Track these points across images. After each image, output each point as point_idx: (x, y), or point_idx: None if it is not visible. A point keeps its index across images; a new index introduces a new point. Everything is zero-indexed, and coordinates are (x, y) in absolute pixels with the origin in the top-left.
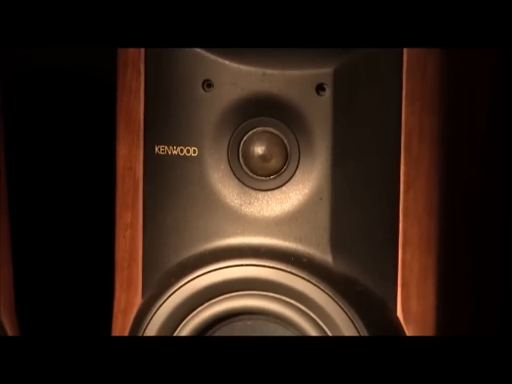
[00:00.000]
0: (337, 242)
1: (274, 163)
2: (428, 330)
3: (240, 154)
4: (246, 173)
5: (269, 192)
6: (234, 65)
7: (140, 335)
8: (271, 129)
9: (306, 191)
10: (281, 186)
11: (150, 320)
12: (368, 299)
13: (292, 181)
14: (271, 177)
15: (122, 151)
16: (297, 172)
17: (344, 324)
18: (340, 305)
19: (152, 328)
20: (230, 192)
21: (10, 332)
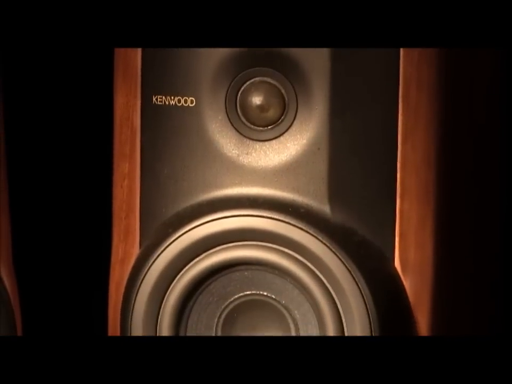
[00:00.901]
0: (335, 192)
1: (272, 113)
2: (426, 280)
3: (238, 105)
4: (243, 123)
5: (266, 143)
6: None
7: (137, 285)
8: (269, 80)
9: (304, 141)
10: (279, 136)
11: (147, 271)
12: (366, 249)
13: (289, 131)
14: (269, 127)
15: (119, 101)
16: (295, 122)
17: (341, 274)
18: (337, 256)
19: (149, 279)
20: (227, 142)
21: (9, 287)
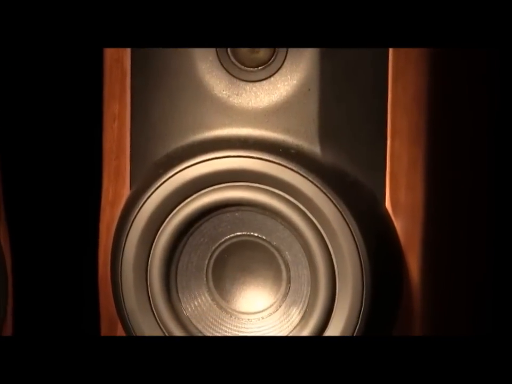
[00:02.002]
0: (326, 133)
1: (262, 54)
2: (417, 222)
3: None
4: (234, 64)
5: (257, 83)
6: None
7: (128, 227)
8: None
9: (294, 82)
10: (269, 77)
11: (137, 212)
12: (357, 190)
13: (280, 71)
14: (259, 68)
15: None
16: (285, 63)
17: (332, 215)
18: (328, 197)
19: (140, 220)
20: (218, 83)
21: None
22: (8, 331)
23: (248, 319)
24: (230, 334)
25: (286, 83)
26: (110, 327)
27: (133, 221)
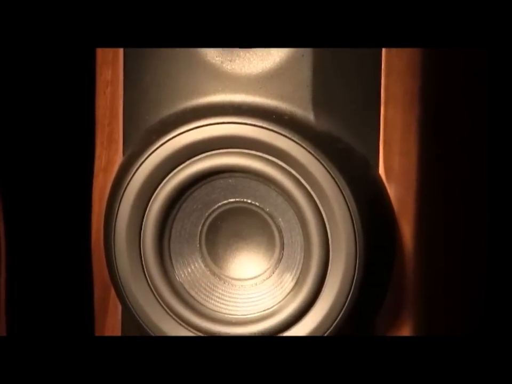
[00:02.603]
0: (319, 99)
1: None
2: (410, 188)
3: None
4: None
5: (250, 49)
6: None
7: (121, 193)
8: None
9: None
10: None
11: (131, 179)
12: (350, 157)
13: None
14: None
15: None
16: None
17: (325, 181)
18: (321, 163)
19: (133, 187)
20: (211, 49)
21: None
22: (2, 298)
23: (242, 285)
24: (222, 300)
25: (279, 49)
26: (104, 292)
27: (126, 187)
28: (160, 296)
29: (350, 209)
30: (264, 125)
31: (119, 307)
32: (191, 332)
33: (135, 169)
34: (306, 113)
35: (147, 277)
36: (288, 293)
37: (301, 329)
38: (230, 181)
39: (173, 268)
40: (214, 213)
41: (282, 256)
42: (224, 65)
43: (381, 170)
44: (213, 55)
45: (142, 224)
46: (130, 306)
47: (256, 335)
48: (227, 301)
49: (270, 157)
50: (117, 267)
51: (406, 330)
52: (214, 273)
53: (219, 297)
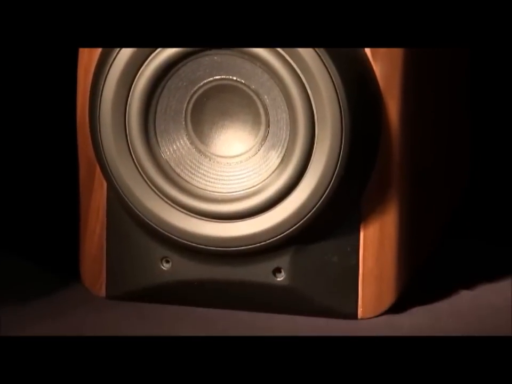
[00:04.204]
0: None
1: None
2: (395, 66)
3: None
4: None
5: None
6: None
7: (106, 71)
8: None
9: None
10: None
11: (116, 55)
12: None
13: None
14: None
15: None
16: None
17: (310, 58)
18: None
19: (118, 64)
20: None
21: None
22: None
23: (227, 163)
24: (208, 178)
25: None
26: (89, 170)
27: (111, 65)
28: (146, 173)
29: (336, 86)
30: None
31: (104, 185)
32: (177, 209)
33: (115, 54)
34: None
35: (132, 155)
36: (274, 171)
37: (287, 207)
38: (215, 58)
39: (158, 146)
40: (199, 91)
41: (268, 134)
42: None
43: (367, 48)
44: None
45: (127, 101)
46: (116, 184)
47: (242, 212)
48: (213, 178)
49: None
50: (102, 145)
51: (391, 213)
52: (199, 151)
53: (204, 175)
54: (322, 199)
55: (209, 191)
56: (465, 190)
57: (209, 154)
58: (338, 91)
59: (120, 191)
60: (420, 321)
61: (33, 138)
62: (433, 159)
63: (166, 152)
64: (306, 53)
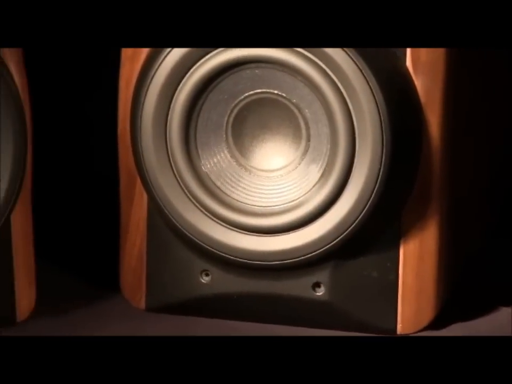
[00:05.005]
0: None
1: None
2: (436, 79)
3: None
4: None
5: None
6: None
7: (147, 83)
8: None
9: None
10: None
11: (157, 68)
12: (377, 48)
13: None
14: None
15: None
16: None
17: (352, 72)
18: (348, 54)
19: (160, 76)
20: None
21: (19, 83)
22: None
23: (267, 177)
24: (248, 191)
25: None
26: (129, 182)
27: (152, 77)
28: (186, 186)
29: (376, 100)
30: None
31: (145, 197)
32: (217, 222)
33: (162, 58)
34: None
35: (173, 167)
36: (314, 185)
37: (327, 221)
38: (256, 71)
39: (199, 158)
40: (240, 104)
41: (308, 148)
42: None
43: (408, 62)
44: None
45: (168, 113)
46: (156, 196)
47: (282, 226)
48: (253, 192)
49: (296, 48)
50: (143, 157)
51: (431, 227)
52: (240, 164)
53: (245, 188)
54: (362, 213)
55: (249, 204)
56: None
57: (249, 168)
58: (379, 105)
59: (160, 203)
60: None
61: (74, 150)
62: (474, 171)
63: (207, 165)
64: (348, 67)
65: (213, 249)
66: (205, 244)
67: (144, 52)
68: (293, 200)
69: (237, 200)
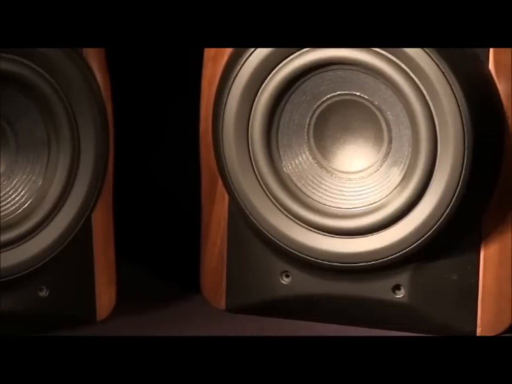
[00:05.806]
0: None
1: None
2: None
3: None
4: None
5: None
6: None
7: (230, 84)
8: None
9: None
10: None
11: (240, 68)
12: (460, 51)
13: None
14: None
15: None
16: None
17: (435, 75)
18: (431, 57)
19: (242, 76)
20: None
21: (100, 80)
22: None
23: (349, 179)
24: (329, 193)
25: None
26: (211, 181)
27: (235, 77)
28: (267, 187)
29: (459, 103)
30: None
31: (226, 197)
32: (298, 224)
33: (244, 59)
34: None
35: (254, 168)
36: (395, 188)
37: (408, 224)
38: (339, 73)
39: (281, 159)
40: (322, 105)
41: (390, 150)
42: None
43: (491, 66)
44: None
45: (250, 114)
46: (237, 196)
47: (363, 228)
48: (334, 193)
49: (379, 50)
50: (224, 157)
51: (510, 233)
52: (321, 166)
53: (326, 190)
54: (443, 217)
55: (330, 206)
56: None
57: (331, 170)
58: (461, 109)
59: (242, 204)
60: None
61: (155, 148)
62: None
63: (288, 166)
64: (430, 70)
65: (293, 251)
66: (286, 245)
67: (227, 52)
68: (374, 203)
69: (318, 202)
